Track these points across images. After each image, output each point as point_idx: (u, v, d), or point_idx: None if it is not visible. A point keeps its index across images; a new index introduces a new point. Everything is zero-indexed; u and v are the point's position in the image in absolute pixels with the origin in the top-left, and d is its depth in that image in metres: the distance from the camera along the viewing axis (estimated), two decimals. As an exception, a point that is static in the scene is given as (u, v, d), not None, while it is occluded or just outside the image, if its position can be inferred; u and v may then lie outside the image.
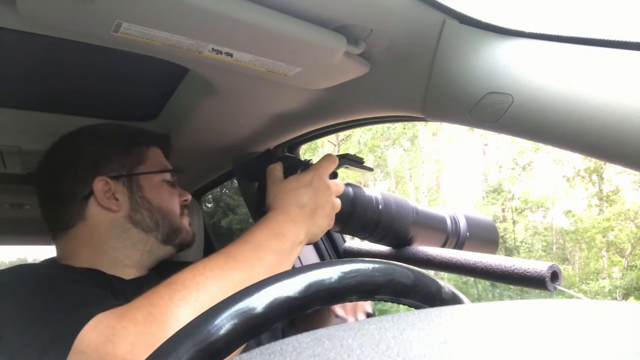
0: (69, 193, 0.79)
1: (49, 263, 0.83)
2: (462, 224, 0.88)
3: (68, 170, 0.80)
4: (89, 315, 0.53)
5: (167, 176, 0.87)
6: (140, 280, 0.81)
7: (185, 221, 0.88)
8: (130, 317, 0.52)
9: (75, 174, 0.79)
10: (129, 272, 0.80)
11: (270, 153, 0.81)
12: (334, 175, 0.78)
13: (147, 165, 0.84)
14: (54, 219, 0.82)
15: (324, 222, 0.72)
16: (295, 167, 0.76)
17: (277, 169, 0.75)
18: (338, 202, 0.74)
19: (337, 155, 0.78)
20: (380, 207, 0.79)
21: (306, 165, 0.76)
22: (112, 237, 0.79)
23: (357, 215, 0.78)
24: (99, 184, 0.78)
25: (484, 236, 0.92)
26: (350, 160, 0.78)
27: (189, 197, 0.90)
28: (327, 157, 0.75)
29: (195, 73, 0.80)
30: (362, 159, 0.80)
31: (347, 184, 0.80)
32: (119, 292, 0.72)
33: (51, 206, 0.82)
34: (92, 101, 0.97)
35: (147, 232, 0.81)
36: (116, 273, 0.78)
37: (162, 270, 0.88)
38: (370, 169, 0.83)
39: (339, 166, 0.78)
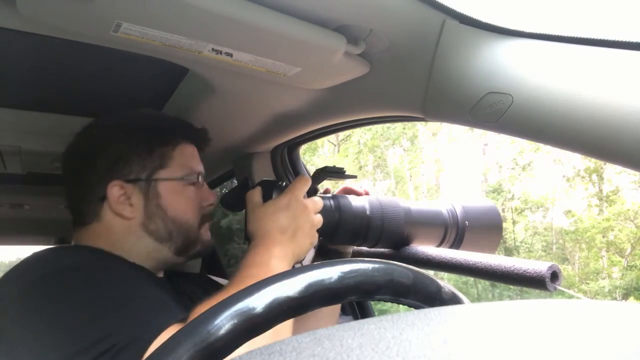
0: (88, 189, 0.77)
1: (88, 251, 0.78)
2: (460, 214, 0.87)
3: (89, 164, 0.78)
4: (162, 324, 0.57)
5: (194, 178, 0.82)
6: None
7: (205, 229, 0.84)
8: None
9: (94, 170, 0.77)
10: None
11: (248, 181, 0.81)
12: (313, 192, 0.78)
13: (170, 169, 0.79)
14: (73, 210, 0.80)
15: (306, 242, 0.72)
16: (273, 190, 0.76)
17: (255, 194, 0.75)
18: (318, 218, 0.74)
19: (316, 170, 0.78)
20: (367, 212, 0.79)
21: (280, 187, 0.76)
22: (127, 242, 0.77)
23: (344, 224, 0.78)
24: (113, 189, 0.75)
25: (485, 221, 0.89)
26: (330, 173, 0.77)
27: (213, 200, 0.84)
28: (300, 178, 0.76)
29: (195, 73, 0.80)
30: (343, 168, 0.79)
31: (333, 196, 0.79)
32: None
33: (72, 196, 0.80)
34: (92, 101, 0.97)
35: (162, 242, 0.78)
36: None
37: (170, 276, 0.87)
38: (354, 177, 0.83)
39: (319, 180, 0.77)
